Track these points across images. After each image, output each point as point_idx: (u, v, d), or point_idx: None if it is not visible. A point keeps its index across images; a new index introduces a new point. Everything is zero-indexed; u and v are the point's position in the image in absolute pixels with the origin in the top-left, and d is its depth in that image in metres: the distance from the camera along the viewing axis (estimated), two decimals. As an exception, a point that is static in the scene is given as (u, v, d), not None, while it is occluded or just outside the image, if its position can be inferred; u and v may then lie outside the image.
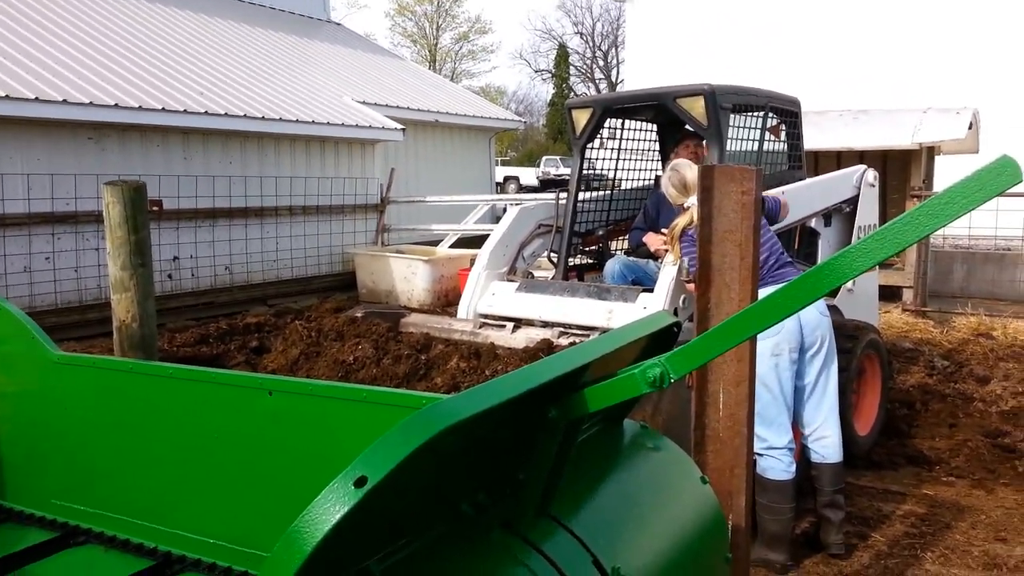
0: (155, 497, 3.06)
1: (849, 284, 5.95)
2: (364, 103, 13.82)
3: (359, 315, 5.05)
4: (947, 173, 11.01)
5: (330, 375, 4.49)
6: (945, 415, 5.93)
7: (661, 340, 1.89)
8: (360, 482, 1.02)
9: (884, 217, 7.47)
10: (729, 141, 5.10)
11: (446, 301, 10.70)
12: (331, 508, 1.00)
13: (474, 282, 5.21)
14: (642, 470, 1.94)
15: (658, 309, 4.23)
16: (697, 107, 4.97)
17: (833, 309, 5.80)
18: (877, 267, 6.72)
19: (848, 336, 5.28)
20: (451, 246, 11.90)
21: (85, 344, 8.08)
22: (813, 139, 7.90)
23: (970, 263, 11.14)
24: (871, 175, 6.29)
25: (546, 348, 4.17)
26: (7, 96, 8.21)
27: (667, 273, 4.32)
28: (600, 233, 5.54)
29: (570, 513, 1.62)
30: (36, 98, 8.45)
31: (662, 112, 5.68)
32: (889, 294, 9.44)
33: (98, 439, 3.21)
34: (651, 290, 4.44)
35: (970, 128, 9.79)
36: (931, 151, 10.29)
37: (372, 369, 4.32)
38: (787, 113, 5.82)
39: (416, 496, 1.32)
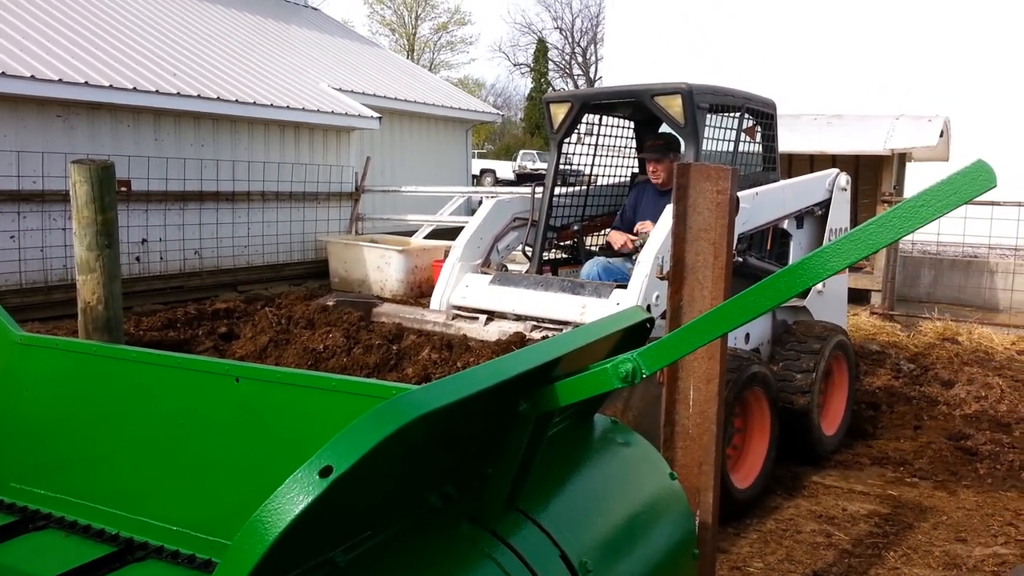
0: (118, 482, 3.00)
1: (819, 286, 6.01)
2: (341, 90, 13.69)
3: (330, 303, 5.01)
4: (918, 180, 11.19)
5: (300, 363, 4.44)
6: (910, 417, 6.01)
7: (633, 336, 1.89)
8: (325, 472, 1.00)
9: (855, 221, 7.54)
10: (705, 141, 5.13)
11: (419, 292, 10.66)
12: (295, 498, 0.98)
13: (448, 273, 5.19)
14: (611, 465, 1.93)
15: (631, 305, 4.23)
16: (674, 105, 4.98)
17: (803, 310, 5.87)
18: (847, 269, 6.79)
19: (817, 337, 5.33)
20: (426, 237, 11.85)
21: (50, 325, 7.94)
22: (787, 142, 7.96)
23: (938, 269, 11.31)
24: (843, 179, 6.35)
25: (518, 341, 4.16)
26: (-27, 70, 8.02)
27: (640, 270, 4.32)
28: (575, 228, 5.54)
29: (538, 507, 1.61)
30: (2, 73, 8.27)
31: (639, 109, 5.69)
32: (858, 297, 9.56)
33: (60, 422, 3.14)
34: (625, 286, 4.45)
35: (941, 136, 9.93)
36: (903, 157, 10.43)
37: (343, 358, 4.29)
38: (763, 115, 5.86)
39: (383, 487, 1.30)
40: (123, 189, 9.11)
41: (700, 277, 2.75)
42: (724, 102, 5.32)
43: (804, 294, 5.84)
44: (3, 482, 3.26)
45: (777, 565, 3.90)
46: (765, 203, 5.18)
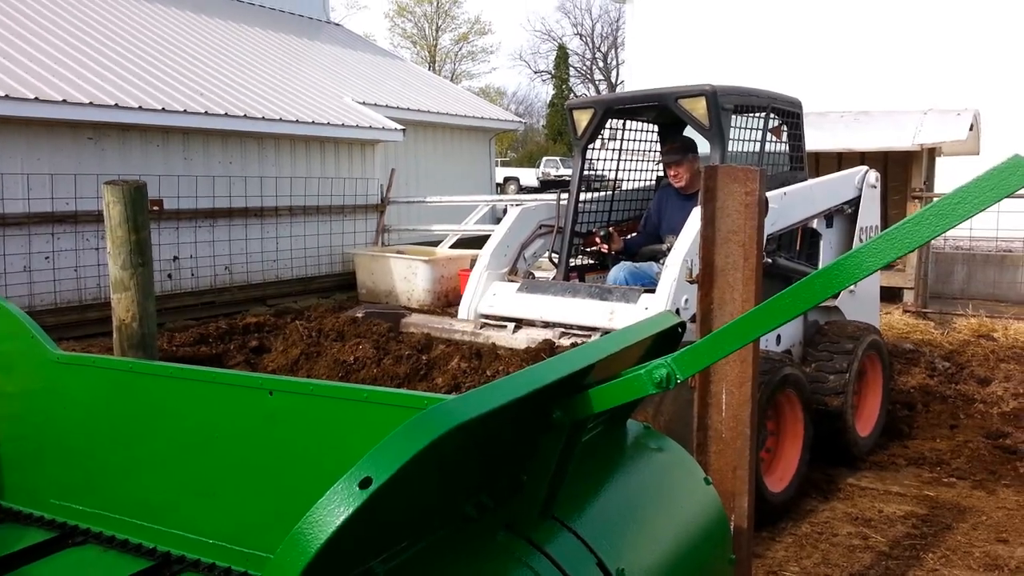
0: (155, 497, 3.04)
1: (851, 285, 5.94)
2: (364, 104, 13.81)
3: (359, 315, 5.04)
4: (948, 175, 11.01)
5: (330, 375, 4.48)
6: (946, 416, 5.91)
7: (665, 341, 1.88)
8: (365, 483, 1.01)
9: (885, 219, 7.46)
10: (730, 142, 5.10)
11: (446, 302, 10.69)
12: (336, 509, 0.99)
13: (475, 282, 5.20)
14: (645, 471, 1.93)
15: (660, 309, 4.21)
16: (699, 108, 4.96)
17: (835, 310, 5.80)
18: (879, 269, 6.70)
19: (850, 337, 5.27)
20: (451, 247, 11.89)
21: (84, 344, 8.08)
22: (814, 140, 7.89)
23: (971, 265, 11.13)
24: (872, 176, 6.28)
25: (547, 348, 4.16)
26: (7, 96, 8.20)
27: (669, 273, 4.31)
28: (602, 234, 5.53)
29: (574, 514, 1.61)
30: (36, 98, 8.44)
31: (663, 113, 5.67)
32: (890, 295, 9.43)
33: (97, 439, 3.20)
34: (653, 290, 4.43)
35: (971, 130, 9.79)
36: (932, 152, 10.29)
37: (373, 369, 4.31)
38: (789, 114, 5.81)
39: (419, 497, 1.31)
40: (155, 208, 9.25)
41: (730, 280, 2.74)
42: (749, 102, 5.29)
43: (836, 294, 5.78)
44: (43, 499, 3.32)
45: (813, 569, 3.85)
46: (794, 202, 5.14)
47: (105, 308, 8.98)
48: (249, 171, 10.92)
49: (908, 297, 9.75)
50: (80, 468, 3.21)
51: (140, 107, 9.41)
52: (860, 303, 6.09)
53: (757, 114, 5.45)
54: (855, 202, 6.07)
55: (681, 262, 4.27)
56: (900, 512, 4.45)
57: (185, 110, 9.88)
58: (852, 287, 5.98)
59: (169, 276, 9.78)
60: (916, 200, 9.94)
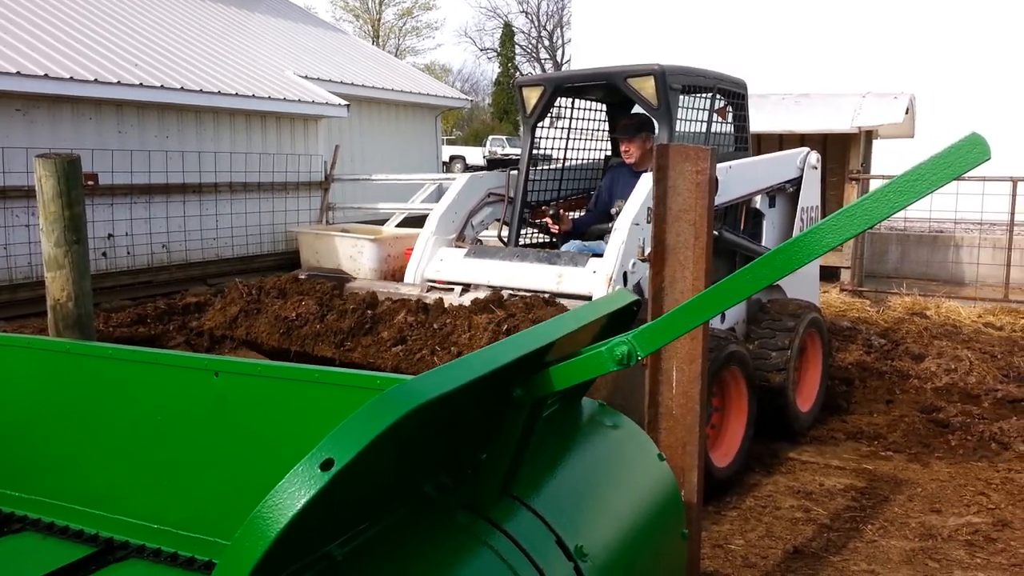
0: (95, 482, 2.95)
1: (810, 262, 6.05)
2: (307, 78, 13.51)
3: (302, 276, 4.91)
4: (884, 157, 11.31)
5: (271, 331, 4.30)
6: (882, 392, 6.10)
7: (620, 319, 1.88)
8: (326, 465, 0.98)
9: (824, 200, 7.60)
10: (678, 122, 5.13)
11: (393, 280, 10.58)
12: (296, 492, 0.96)
13: (422, 248, 5.14)
14: (601, 448, 1.93)
15: (608, 272, 4.20)
16: (647, 87, 4.97)
17: (776, 288, 5.91)
18: (819, 248, 6.85)
19: (791, 315, 5.39)
20: (397, 225, 11.76)
21: (16, 324, 7.78)
22: (755, 122, 7.97)
23: (904, 244, 11.46)
24: (814, 157, 6.40)
25: (496, 300, 4.09)
26: (-73, 64, 7.80)
27: (617, 236, 4.31)
28: (551, 213, 5.53)
29: (532, 493, 1.61)
30: (-41, 66, 8.05)
31: (612, 92, 5.68)
32: (827, 274, 9.66)
33: (33, 423, 3.08)
34: (601, 255, 4.44)
35: (907, 113, 10.05)
36: (869, 135, 10.53)
37: (316, 325, 4.15)
38: (734, 95, 5.87)
39: (378, 478, 1.28)
40: (90, 183, 8.92)
41: (681, 258, 2.76)
42: (696, 83, 5.32)
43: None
44: (-24, 485, 3.20)
45: (758, 542, 3.94)
46: (738, 177, 5.18)
47: (37, 288, 8.66)
48: (187, 146, 10.60)
49: (845, 276, 10.00)
50: (16, 453, 3.09)
51: (71, 78, 9.04)
52: (800, 281, 6.21)
53: (704, 94, 5.49)
54: (797, 182, 6.18)
55: (629, 225, 4.27)
56: (840, 485, 4.59)
57: (119, 81, 9.53)
58: (794, 266, 6.10)
59: (104, 254, 9.47)
60: (854, 182, 10.18)
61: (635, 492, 1.90)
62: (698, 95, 5.45)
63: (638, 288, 4.17)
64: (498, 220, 5.65)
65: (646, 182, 4.46)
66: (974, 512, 4.27)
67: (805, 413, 5.42)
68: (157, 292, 9.63)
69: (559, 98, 5.71)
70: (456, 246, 5.19)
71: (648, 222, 4.31)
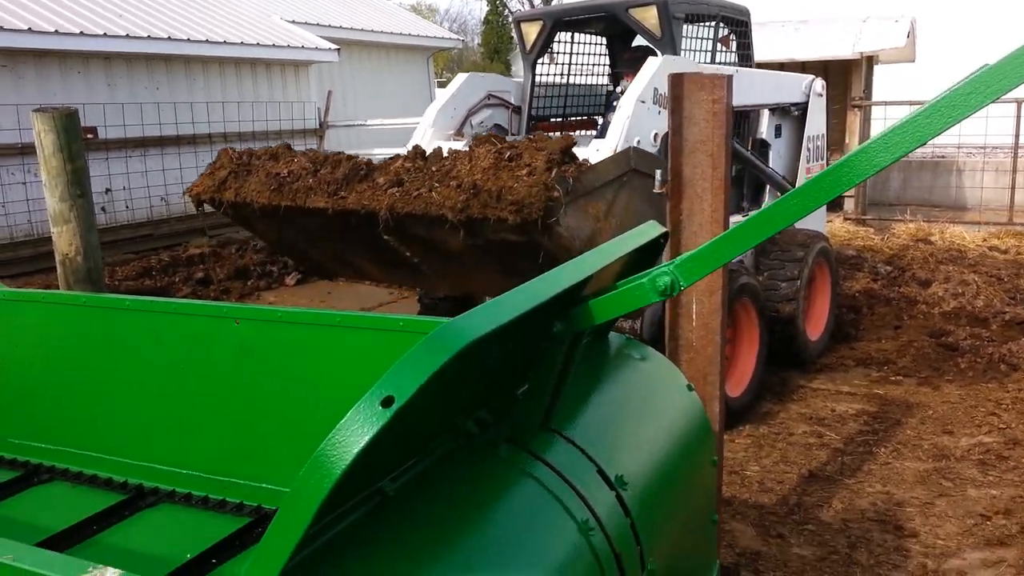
0: (121, 431, 2.97)
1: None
2: (295, 22, 13.23)
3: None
4: (886, 83, 11.16)
5: (262, 189, 4.07)
6: (891, 318, 6.13)
7: (647, 250, 1.87)
8: (387, 402, 0.98)
9: (828, 128, 7.52)
10: (682, 52, 5.03)
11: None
12: (359, 429, 0.96)
13: (419, 139, 5.02)
14: (632, 380, 1.94)
15: (609, 151, 4.08)
16: (650, 17, 4.87)
17: (784, 219, 5.89)
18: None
19: (800, 245, 5.37)
20: (395, 169, 11.66)
21: (21, 281, 7.76)
22: (756, 51, 7.86)
23: (906, 171, 11.39)
24: (819, 84, 6.31)
25: (499, 136, 3.92)
26: (-91, 20, 7.62)
27: (621, 114, 4.18)
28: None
29: (570, 425, 1.62)
30: (-59, 22, 7.87)
31: (613, 24, 5.56)
32: (831, 204, 9.62)
33: (55, 376, 3.10)
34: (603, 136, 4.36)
35: (908, 37, 9.88)
36: (870, 61, 10.37)
37: (308, 179, 3.93)
38: (737, 23, 5.75)
39: (425, 415, 1.29)
40: (90, 136, 8.81)
41: (699, 190, 2.73)
42: (699, 11, 5.21)
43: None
44: (2, 439, 3.23)
45: (772, 467, 4.00)
46: (745, 84, 5.08)
47: (38, 245, 8.62)
48: (178, 97, 10.44)
49: (848, 205, 9.96)
50: (39, 406, 3.11)
51: (56, 31, 8.85)
52: (807, 211, 6.19)
53: (707, 23, 5.38)
54: (802, 108, 6.10)
55: (634, 102, 4.14)
56: (852, 410, 4.64)
57: (105, 33, 9.33)
58: (800, 195, 6.06)
59: (103, 209, 9.39)
60: (856, 109, 10.06)
61: (667, 422, 1.91)
62: (701, 24, 5.34)
63: None
64: (497, 124, 5.50)
65: (654, 62, 4.36)
66: (985, 432, 4.33)
67: (815, 341, 5.46)
68: (159, 245, 9.60)
69: (558, 33, 5.60)
70: (454, 140, 5.02)
71: (655, 103, 4.22)
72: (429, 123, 5.01)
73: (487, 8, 50.72)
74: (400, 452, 1.29)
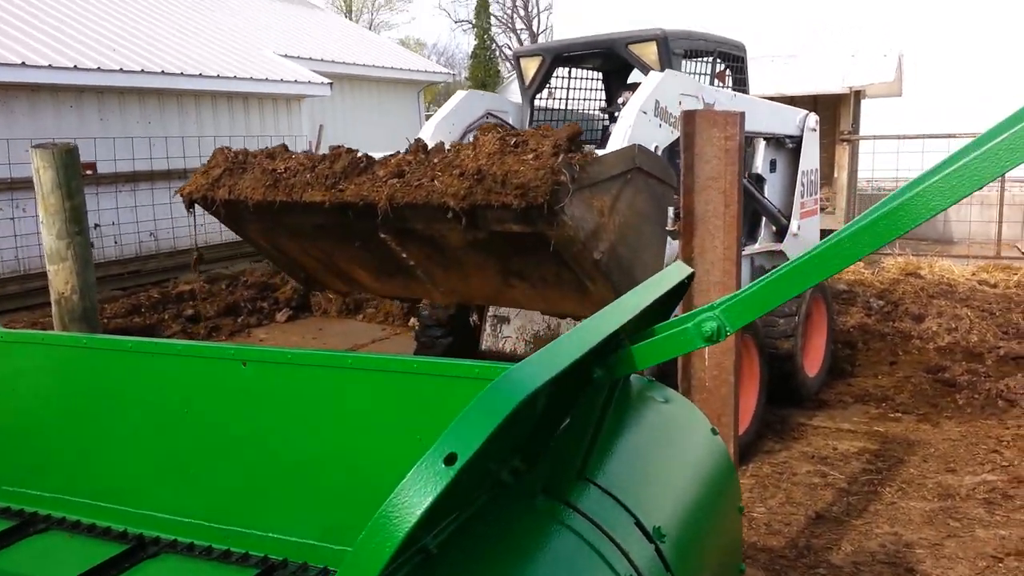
0: (120, 478, 2.89)
1: (795, 228, 6.05)
2: (286, 56, 13.29)
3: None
4: (872, 117, 11.30)
5: (257, 186, 3.91)
6: (886, 353, 6.14)
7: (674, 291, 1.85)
8: (450, 459, 0.94)
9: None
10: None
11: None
12: (422, 489, 0.92)
13: None
14: (657, 424, 1.90)
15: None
16: (650, 52, 4.91)
17: (779, 254, 5.91)
18: (819, 211, 6.85)
19: (798, 280, 5.37)
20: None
21: (6, 319, 7.65)
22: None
23: (893, 205, 11.49)
24: (813, 120, 6.37)
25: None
26: (-101, 54, 7.58)
27: (622, 124, 4.04)
28: None
29: (602, 474, 1.57)
30: (-68, 56, 7.83)
31: (610, 59, 5.60)
32: (820, 238, 9.68)
33: (51, 419, 3.02)
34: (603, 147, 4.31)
35: (896, 71, 10.03)
36: (858, 95, 10.51)
37: (306, 175, 3.80)
38: (734, 58, 5.82)
39: (470, 468, 1.24)
40: (88, 172, 8.75)
41: (711, 227, 2.72)
42: (697, 47, 5.26)
43: (781, 237, 5.88)
44: (-5, 485, 3.13)
45: (779, 508, 3.96)
46: (742, 107, 5.09)
47: (26, 281, 8.52)
48: (170, 131, 10.42)
49: (838, 239, 10.01)
50: (34, 452, 3.02)
51: (50, 65, 8.83)
52: (803, 246, 6.21)
53: (705, 58, 5.44)
54: (796, 140, 6.15)
55: (636, 112, 4.00)
56: (853, 448, 4.61)
57: (99, 67, 9.33)
58: (795, 230, 6.10)
59: (92, 245, 9.30)
60: (844, 143, 10.17)
61: (695, 468, 1.87)
62: (699, 59, 5.39)
63: None
64: None
65: (656, 76, 4.35)
66: (989, 470, 4.31)
67: (812, 378, 5.44)
68: (147, 281, 9.51)
69: (557, 68, 5.63)
70: None
71: (656, 115, 4.17)
72: (427, 137, 4.97)
73: (475, 42, 51.30)
74: (446, 507, 1.24)
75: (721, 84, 5.82)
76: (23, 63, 8.52)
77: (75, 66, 9.03)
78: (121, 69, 9.55)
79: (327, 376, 2.55)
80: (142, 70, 9.80)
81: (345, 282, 4.53)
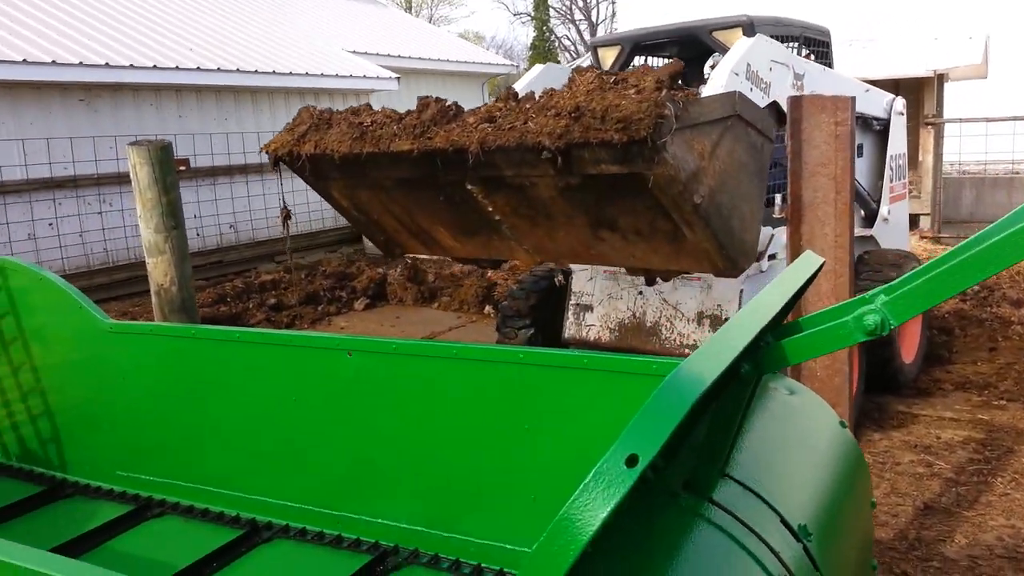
0: (231, 464, 2.96)
1: (885, 213, 5.86)
2: (355, 52, 13.44)
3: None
4: (957, 100, 10.87)
5: (342, 139, 3.81)
6: (984, 339, 5.90)
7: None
8: (631, 461, 0.91)
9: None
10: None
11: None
12: (605, 491, 0.90)
13: None
14: (788, 419, 1.85)
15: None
16: (735, 38, 4.78)
17: (870, 239, 5.73)
18: (908, 195, 6.62)
19: (892, 265, 5.20)
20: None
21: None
22: (830, 68, 7.71)
23: (979, 188, 11.06)
24: (900, 103, 6.15)
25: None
26: (-5, 59, 7.90)
27: (714, 84, 3.79)
28: None
29: (742, 469, 1.53)
30: (24, 60, 8.13)
31: (689, 47, 5.48)
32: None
33: (162, 408, 3.10)
34: None
35: (983, 54, 9.63)
36: (941, 78, 10.12)
37: (393, 127, 3.70)
38: (818, 43, 5.63)
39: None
40: (182, 168, 9.00)
41: (820, 214, 2.63)
42: (782, 32, 5.11)
43: (871, 223, 5.70)
44: (109, 471, 3.24)
45: (884, 499, 3.83)
46: (831, 81, 4.92)
47: (112, 272, 8.82)
48: (246, 127, 10.64)
49: (924, 223, 9.69)
50: (145, 438, 3.11)
51: (131, 65, 9.10)
52: (893, 231, 6.01)
53: (790, 44, 5.27)
54: (884, 123, 5.95)
55: (728, 74, 3.83)
56: (958, 437, 4.44)
57: (177, 66, 9.57)
58: (886, 214, 5.90)
59: (175, 238, 9.58)
60: (929, 127, 9.81)
61: (828, 463, 1.81)
62: (784, 45, 5.23)
63: None
64: None
65: (747, 40, 4.21)
66: (1105, 461, 4.10)
67: (909, 364, 5.26)
68: (228, 272, 9.75)
69: (635, 57, 5.54)
70: None
71: (747, 78, 4.02)
72: None
73: (533, 34, 51.03)
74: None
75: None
76: (106, 64, 8.80)
77: (154, 65, 9.28)
78: (199, 68, 9.78)
79: (431, 366, 2.56)
80: (218, 68, 10.02)
81: (424, 243, 4.40)
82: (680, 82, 3.18)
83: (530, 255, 4.06)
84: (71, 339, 3.27)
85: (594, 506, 0.89)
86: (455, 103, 3.69)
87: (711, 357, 1.11)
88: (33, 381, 3.37)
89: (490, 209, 3.77)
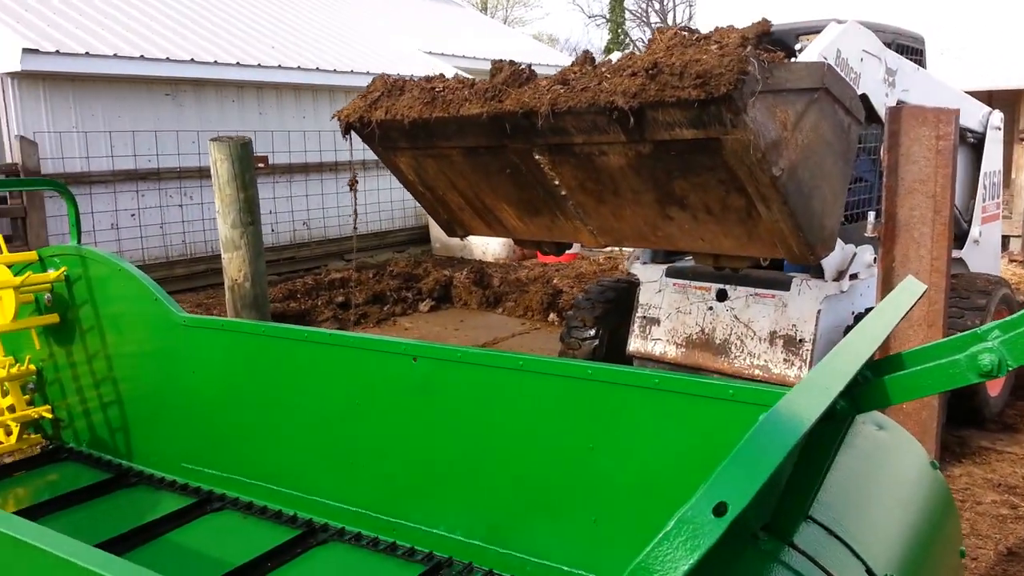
0: (291, 463, 2.96)
1: (976, 234, 5.57)
2: (430, 53, 13.53)
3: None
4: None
5: (412, 104, 3.75)
6: (1079, 374, 5.55)
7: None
8: (720, 510, 0.83)
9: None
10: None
11: (522, 255, 10.50)
12: (689, 542, 0.81)
13: None
14: (875, 457, 1.72)
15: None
16: (824, 44, 4.60)
17: (959, 262, 5.45)
18: (1001, 216, 6.30)
19: (980, 291, 4.93)
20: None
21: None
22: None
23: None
24: (997, 117, 5.84)
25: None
26: (87, 53, 8.17)
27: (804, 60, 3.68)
28: None
29: (825, 511, 1.42)
30: (115, 55, 8.40)
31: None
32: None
33: (229, 403, 3.12)
34: None
35: (1087, 64, 9.13)
36: (1040, 90, 9.65)
37: (464, 92, 3.63)
38: (912, 50, 5.39)
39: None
40: (261, 165, 9.20)
41: (916, 235, 2.48)
42: (874, 38, 4.90)
43: (960, 244, 5.42)
44: (174, 463, 3.28)
45: (965, 542, 3.62)
46: (925, 84, 4.67)
47: (191, 264, 9.04)
48: (323, 125, 10.79)
49: (1015, 246, 9.23)
50: (211, 432, 3.14)
51: (215, 61, 9.32)
52: (983, 254, 5.72)
53: (881, 51, 5.06)
54: (978, 137, 5.66)
55: (817, 56, 3.69)
56: (1048, 478, 4.18)
57: (259, 64, 9.76)
58: (976, 236, 5.61)
59: (250, 232, 9.77)
60: (1023, 142, 9.35)
61: (918, 507, 1.68)
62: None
63: None
64: None
65: (838, 25, 4.00)
66: None
67: (995, 397, 4.98)
68: (299, 268, 9.90)
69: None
70: None
71: (836, 65, 3.81)
72: None
73: (608, 37, 50.75)
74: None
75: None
76: (192, 59, 9.02)
77: (238, 62, 9.48)
78: (279, 66, 9.96)
79: (496, 376, 2.50)
80: (298, 67, 10.19)
81: (488, 223, 4.34)
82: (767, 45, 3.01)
83: (594, 237, 3.93)
84: (145, 330, 3.33)
85: (675, 557, 0.81)
86: (528, 66, 3.59)
87: (811, 394, 1.02)
88: (106, 369, 3.44)
89: (556, 183, 3.66)
